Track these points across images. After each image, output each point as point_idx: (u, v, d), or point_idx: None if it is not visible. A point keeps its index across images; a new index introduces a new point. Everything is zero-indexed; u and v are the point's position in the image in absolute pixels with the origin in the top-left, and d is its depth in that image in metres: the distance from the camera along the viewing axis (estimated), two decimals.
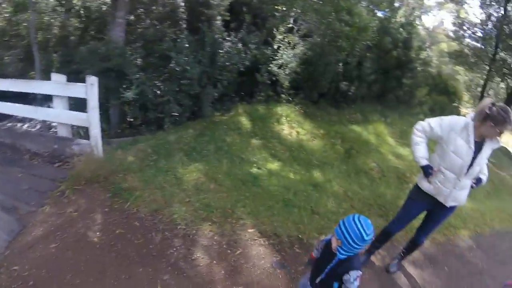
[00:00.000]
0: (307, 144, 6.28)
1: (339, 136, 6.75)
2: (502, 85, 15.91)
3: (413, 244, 3.31)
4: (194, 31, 5.64)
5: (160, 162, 4.21)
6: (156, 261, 2.69)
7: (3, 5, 7.29)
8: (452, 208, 2.90)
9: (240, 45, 6.20)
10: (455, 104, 13.22)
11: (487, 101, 2.57)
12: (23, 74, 6.82)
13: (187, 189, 3.69)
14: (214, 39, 5.63)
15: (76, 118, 3.76)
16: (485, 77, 14.49)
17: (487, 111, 2.48)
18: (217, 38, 5.76)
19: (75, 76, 4.40)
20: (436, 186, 2.76)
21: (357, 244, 1.80)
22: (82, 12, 6.63)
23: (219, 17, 5.91)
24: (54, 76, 3.84)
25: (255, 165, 4.95)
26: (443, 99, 12.07)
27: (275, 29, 6.81)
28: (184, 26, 5.55)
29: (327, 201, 4.40)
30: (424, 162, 2.78)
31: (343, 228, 1.82)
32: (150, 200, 3.31)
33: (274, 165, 5.18)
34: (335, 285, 1.99)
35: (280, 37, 6.79)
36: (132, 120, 5.31)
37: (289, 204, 4.01)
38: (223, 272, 2.77)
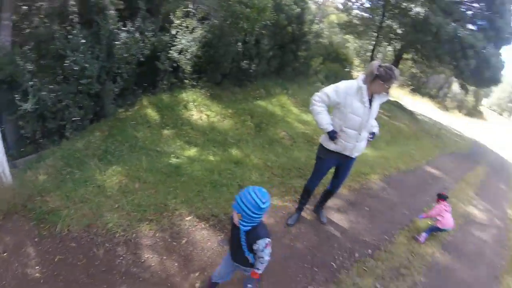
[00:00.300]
0: (219, 125, 6.51)
1: (247, 113, 7.14)
2: (389, 48, 18.07)
3: (329, 193, 3.89)
4: (87, 25, 5.16)
5: (76, 174, 3.99)
6: (107, 275, 2.68)
7: None
8: (355, 158, 3.48)
9: (137, 34, 5.92)
10: (347, 69, 14.87)
11: (374, 63, 2.98)
12: None
13: (113, 194, 3.62)
14: (110, 31, 5.27)
15: None
16: (373, 42, 16.22)
17: (376, 72, 2.92)
18: (112, 29, 5.40)
19: None
20: (342, 144, 3.25)
21: (256, 214, 1.91)
22: None
23: (111, 7, 5.47)
24: None
25: (173, 155, 5.01)
26: (336, 66, 13.48)
27: (171, 14, 6.63)
28: (77, 20, 5.01)
29: (251, 174, 4.78)
30: (330, 128, 3.18)
31: (240, 202, 1.91)
32: (79, 216, 3.17)
33: (191, 152, 5.33)
34: (251, 256, 2.12)
35: (177, 21, 6.65)
36: (30, 134, 4.74)
37: (217, 184, 4.25)
38: (176, 264, 2.89)
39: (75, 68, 4.63)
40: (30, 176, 3.71)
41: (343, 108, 3.12)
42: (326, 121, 3.18)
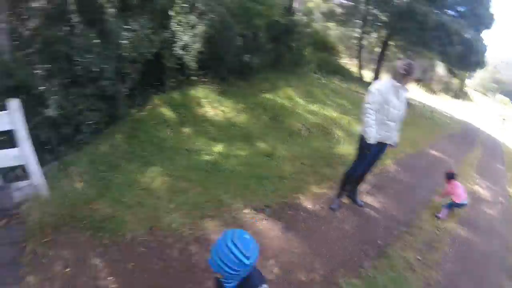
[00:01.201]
0: (236, 120, 6.36)
1: (260, 107, 7.01)
2: (374, 35, 17.64)
3: (362, 178, 4.12)
4: (89, 24, 4.76)
5: (114, 179, 3.69)
6: (189, 275, 2.53)
7: None
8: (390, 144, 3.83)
9: (140, 32, 5.59)
10: (335, 57, 14.83)
11: (399, 63, 3.50)
12: None
13: (163, 195, 3.47)
14: (117, 29, 4.93)
15: (7, 157, 2.77)
16: (358, 30, 16.16)
17: (404, 72, 3.38)
18: (116, 28, 5.06)
19: None
20: (384, 134, 3.62)
21: (240, 271, 1.45)
22: None
23: (108, 4, 5.12)
24: None
25: (203, 152, 4.86)
26: (325, 55, 13.45)
27: (172, 12, 6.33)
28: (77, 20, 4.61)
29: (284, 165, 4.82)
30: (373, 141, 3.51)
31: (217, 261, 1.43)
32: (137, 220, 2.96)
33: (219, 148, 5.16)
34: None
35: (179, 18, 6.35)
36: (46, 142, 4.25)
37: (260, 177, 4.26)
38: None
39: (94, 70, 4.22)
40: (66, 185, 3.31)
41: (385, 105, 3.47)
42: (373, 135, 3.50)
